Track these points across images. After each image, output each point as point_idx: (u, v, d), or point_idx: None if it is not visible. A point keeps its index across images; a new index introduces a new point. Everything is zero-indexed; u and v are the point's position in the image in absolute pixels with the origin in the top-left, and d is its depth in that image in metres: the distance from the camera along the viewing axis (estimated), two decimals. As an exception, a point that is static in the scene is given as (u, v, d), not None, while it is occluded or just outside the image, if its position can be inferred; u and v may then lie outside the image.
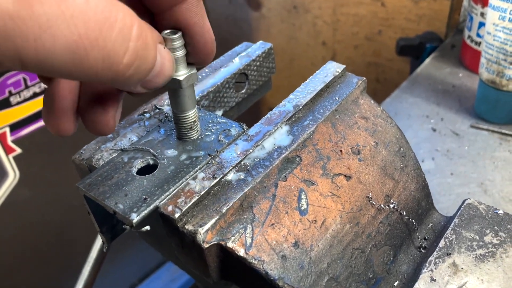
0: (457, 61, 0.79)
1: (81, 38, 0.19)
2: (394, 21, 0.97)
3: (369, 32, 1.03)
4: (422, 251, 0.33)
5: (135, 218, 0.27)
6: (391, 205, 0.33)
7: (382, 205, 0.32)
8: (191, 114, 0.31)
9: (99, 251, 0.63)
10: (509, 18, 0.56)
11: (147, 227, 0.28)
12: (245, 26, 1.28)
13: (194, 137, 0.32)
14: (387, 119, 0.36)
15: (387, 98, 0.73)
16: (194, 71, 0.29)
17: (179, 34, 0.26)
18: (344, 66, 0.38)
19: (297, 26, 1.17)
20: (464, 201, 0.34)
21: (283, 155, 0.31)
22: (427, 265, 0.30)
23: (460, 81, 0.75)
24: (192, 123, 0.32)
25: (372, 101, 0.37)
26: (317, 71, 0.38)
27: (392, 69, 1.04)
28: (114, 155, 0.33)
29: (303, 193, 0.30)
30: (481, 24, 0.71)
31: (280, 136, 0.32)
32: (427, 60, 0.81)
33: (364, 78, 0.37)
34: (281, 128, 0.33)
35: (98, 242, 0.63)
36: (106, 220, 0.32)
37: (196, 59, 0.28)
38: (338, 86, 0.37)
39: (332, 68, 0.38)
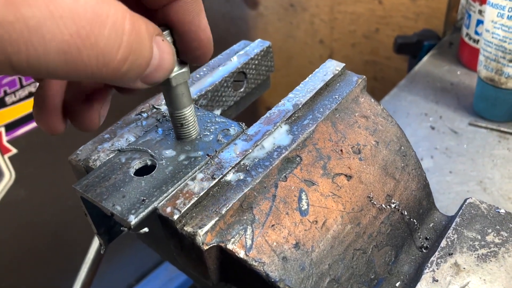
0: (455, 59, 0.79)
1: (72, 37, 0.19)
2: (391, 19, 0.96)
3: (366, 30, 1.02)
4: (424, 251, 0.33)
5: (133, 220, 0.26)
6: (392, 205, 0.32)
7: (383, 205, 0.32)
8: (187, 112, 0.31)
9: (97, 252, 0.62)
10: (508, 15, 0.56)
11: (146, 229, 0.27)
12: (242, 24, 1.27)
13: (192, 136, 0.32)
14: (388, 118, 0.36)
15: (385, 97, 0.73)
16: (185, 69, 0.28)
17: (167, 31, 0.26)
18: (344, 64, 0.37)
19: (295, 25, 1.16)
20: (465, 200, 0.33)
21: (283, 155, 0.31)
22: (429, 265, 0.30)
23: (458, 79, 0.75)
24: (189, 121, 0.31)
25: (372, 100, 0.36)
26: (316, 70, 0.37)
27: (389, 67, 1.04)
28: (111, 155, 0.32)
29: (304, 193, 0.30)
30: (479, 22, 0.71)
31: (280, 136, 0.32)
32: (425, 58, 0.81)
33: (364, 77, 0.37)
34: (281, 127, 0.33)
35: (96, 242, 0.63)
36: (104, 221, 0.32)
37: (190, 57, 0.28)
38: (338, 84, 0.36)
39: (332, 67, 0.37)
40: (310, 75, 0.37)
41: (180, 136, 0.32)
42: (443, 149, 0.62)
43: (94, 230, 0.32)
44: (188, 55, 0.28)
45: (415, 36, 0.87)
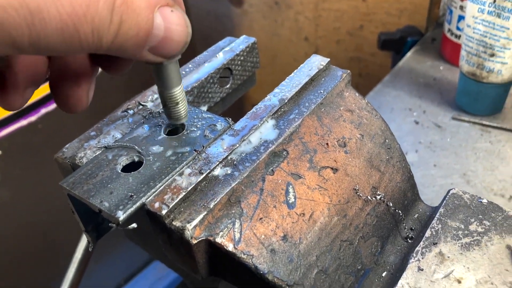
0: (438, 54, 0.80)
1: (70, 16, 0.20)
2: (375, 15, 0.97)
3: (350, 27, 1.03)
4: (409, 241, 0.33)
5: (121, 215, 0.26)
6: (378, 197, 0.33)
7: (369, 197, 0.32)
8: (177, 91, 0.30)
9: (84, 252, 0.62)
10: (488, 10, 0.57)
11: (134, 225, 0.27)
12: (227, 22, 1.27)
13: (182, 117, 0.31)
14: (372, 112, 0.36)
15: (370, 92, 0.74)
16: None
17: None
18: (329, 59, 0.38)
19: (279, 22, 1.17)
20: (449, 191, 0.34)
21: (269, 149, 0.31)
22: (414, 255, 0.30)
23: (441, 74, 0.76)
24: (179, 101, 0.31)
25: (357, 94, 0.37)
26: (301, 65, 0.38)
27: (374, 64, 1.05)
28: (97, 152, 0.32)
29: (291, 186, 0.30)
30: (461, 17, 0.72)
31: (266, 130, 0.32)
32: (408, 54, 0.82)
33: (349, 71, 0.37)
34: (267, 122, 0.33)
35: (83, 242, 0.62)
36: (91, 219, 0.32)
37: None
38: (322, 79, 0.37)
39: (317, 62, 0.38)
40: (295, 70, 0.37)
41: (170, 117, 0.31)
42: (427, 143, 0.63)
43: (82, 227, 0.32)
44: None
45: (398, 33, 0.88)
